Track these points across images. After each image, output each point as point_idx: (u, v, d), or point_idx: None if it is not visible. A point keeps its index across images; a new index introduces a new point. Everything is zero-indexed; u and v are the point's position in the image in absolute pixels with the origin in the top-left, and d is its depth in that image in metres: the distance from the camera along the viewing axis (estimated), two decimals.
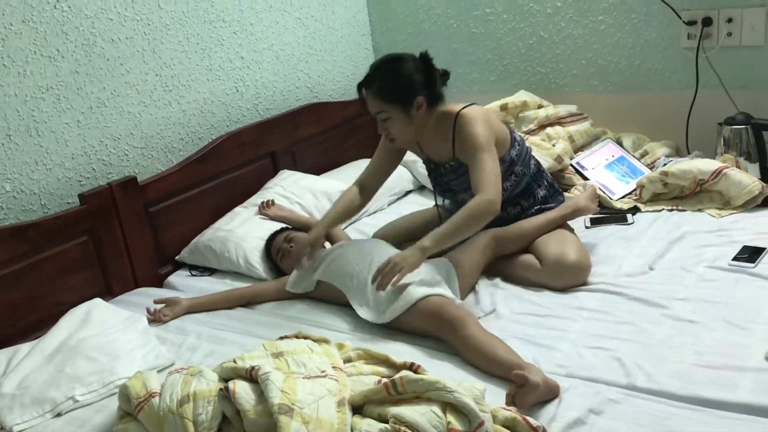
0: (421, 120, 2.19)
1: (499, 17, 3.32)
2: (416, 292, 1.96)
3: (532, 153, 2.46)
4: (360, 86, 2.19)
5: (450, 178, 2.34)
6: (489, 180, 2.08)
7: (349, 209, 2.38)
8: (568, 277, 2.14)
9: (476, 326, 1.83)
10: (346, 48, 3.51)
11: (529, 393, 1.55)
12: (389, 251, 2.20)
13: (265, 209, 2.67)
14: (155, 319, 2.18)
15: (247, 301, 2.28)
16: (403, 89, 2.14)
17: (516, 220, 2.33)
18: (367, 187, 2.41)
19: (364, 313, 2.06)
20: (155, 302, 2.24)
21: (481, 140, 2.13)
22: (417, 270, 2.04)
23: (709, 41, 2.90)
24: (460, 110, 2.20)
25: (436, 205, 2.48)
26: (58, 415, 1.77)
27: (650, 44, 3.05)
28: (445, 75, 2.21)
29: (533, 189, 2.39)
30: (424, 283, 2.02)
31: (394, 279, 1.96)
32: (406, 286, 2.00)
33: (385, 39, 3.64)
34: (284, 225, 2.57)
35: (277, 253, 2.41)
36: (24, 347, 2.00)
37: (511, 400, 1.55)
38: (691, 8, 2.90)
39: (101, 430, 1.69)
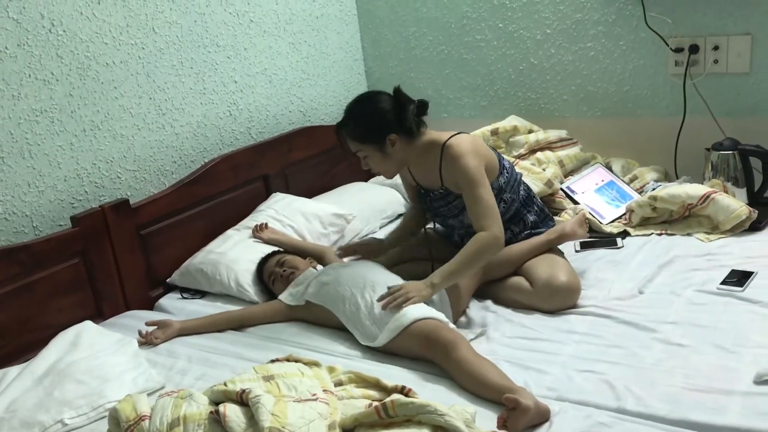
0: (402, 153, 2.24)
1: (489, 44, 3.37)
2: (410, 314, 1.97)
3: (522, 178, 2.49)
4: (337, 128, 2.27)
5: (439, 204, 2.36)
6: (489, 215, 2.14)
7: (415, 219, 2.55)
8: (559, 299, 2.16)
9: (468, 350, 1.83)
10: (339, 73, 3.55)
11: (521, 417, 1.55)
12: (382, 273, 2.21)
13: (259, 232, 2.68)
14: (147, 341, 2.17)
15: (238, 324, 2.27)
16: (374, 129, 2.20)
17: (507, 244, 2.34)
18: (418, 204, 2.54)
19: (358, 336, 2.06)
20: (147, 324, 2.24)
21: (473, 175, 2.16)
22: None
23: (696, 68, 2.95)
24: (447, 141, 2.23)
25: (425, 229, 2.50)
26: None
27: (638, 71, 3.10)
28: (423, 106, 2.24)
29: (523, 214, 2.41)
30: (418, 306, 2.03)
31: (401, 302, 2.01)
32: (400, 309, 2.01)
33: (377, 64, 3.68)
34: (276, 248, 2.58)
35: (269, 277, 2.41)
36: (13, 370, 1.98)
37: (502, 424, 1.56)
38: (678, 35, 2.95)
39: None
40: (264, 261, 2.47)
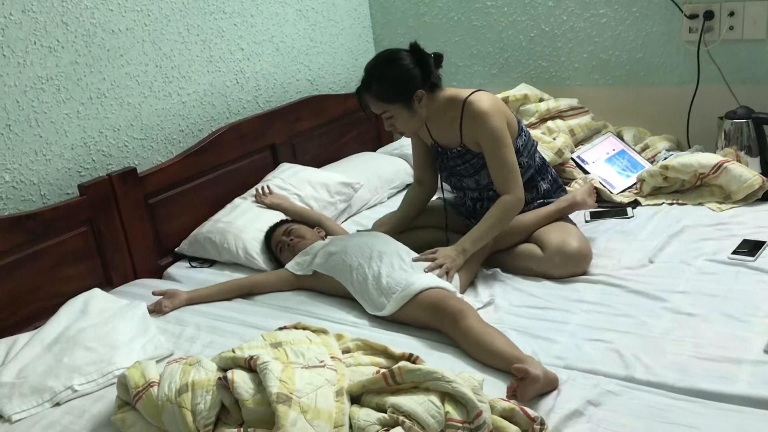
0: (426, 109, 2.21)
1: (500, 10, 3.31)
2: (418, 283, 1.97)
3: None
4: (359, 92, 2.22)
5: (456, 163, 2.34)
6: (512, 177, 2.19)
7: (413, 204, 2.49)
8: (570, 265, 2.15)
9: (476, 319, 1.82)
10: (347, 40, 3.50)
11: (530, 386, 1.55)
12: (390, 243, 2.20)
13: (262, 197, 2.67)
14: (155, 309, 2.18)
15: (246, 292, 2.28)
16: (401, 88, 2.17)
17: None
18: (424, 180, 2.49)
19: (365, 305, 2.06)
20: (154, 293, 2.24)
21: (497, 134, 2.17)
22: (418, 264, 2.09)
23: (710, 35, 2.89)
24: (468, 97, 2.21)
25: (443, 198, 2.48)
26: (57, 404, 1.77)
27: (651, 38, 3.04)
28: (439, 58, 2.23)
29: (537, 182, 2.39)
30: (426, 275, 2.03)
31: (440, 272, 2.06)
32: (409, 278, 2.01)
33: (385, 31, 3.63)
34: (283, 217, 2.57)
35: (276, 246, 2.41)
36: (23, 337, 2.00)
37: (512, 394, 1.55)
38: (692, 1, 2.89)
39: (100, 419, 1.69)
40: (272, 230, 2.47)
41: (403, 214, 2.48)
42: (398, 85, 2.16)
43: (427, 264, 2.10)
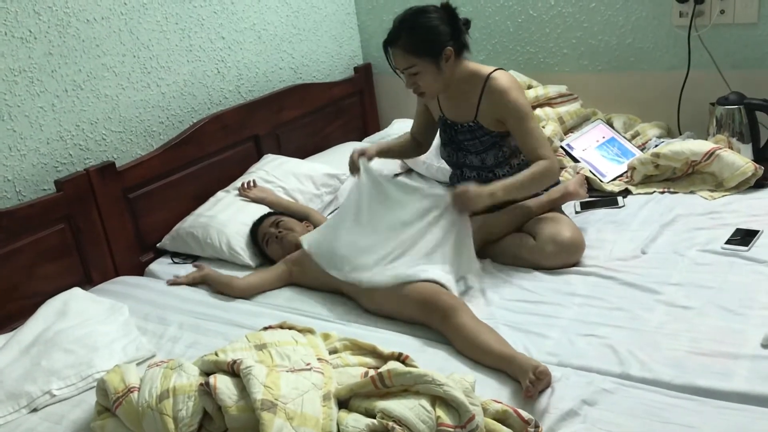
0: (451, 72, 2.18)
1: None
2: (423, 275, 1.93)
3: None
4: (385, 44, 2.17)
5: (465, 137, 2.31)
6: (545, 145, 2.17)
7: (403, 146, 2.54)
8: (563, 255, 2.11)
9: (468, 315, 1.78)
10: (331, 27, 3.43)
11: (544, 384, 1.54)
12: (378, 236, 2.16)
13: (246, 191, 2.60)
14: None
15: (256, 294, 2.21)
16: (431, 41, 2.12)
17: (510, 203, 2.28)
18: (418, 139, 2.51)
19: (361, 274, 2.01)
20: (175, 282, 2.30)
21: (523, 108, 2.18)
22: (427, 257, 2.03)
23: (701, 19, 2.84)
24: (491, 73, 2.20)
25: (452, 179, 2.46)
26: (34, 410, 1.72)
27: (641, 22, 2.99)
28: (467, 24, 2.21)
29: None
30: (432, 268, 1.98)
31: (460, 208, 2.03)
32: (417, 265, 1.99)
33: (370, 18, 3.56)
34: (270, 210, 2.51)
35: (263, 238, 2.35)
36: None
37: (535, 393, 1.53)
38: None
39: (79, 426, 1.64)
40: (258, 222, 2.41)
41: (388, 147, 2.50)
42: (429, 37, 2.12)
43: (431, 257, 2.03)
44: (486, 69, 2.22)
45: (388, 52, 2.16)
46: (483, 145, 2.27)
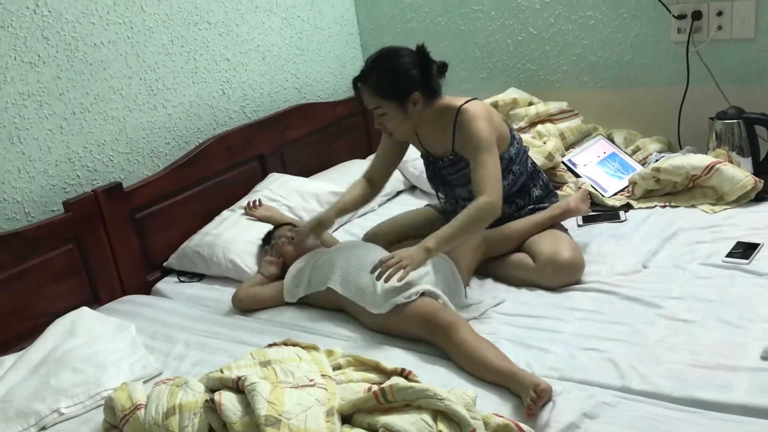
0: (418, 115, 2.17)
1: (487, 14, 3.29)
2: (417, 288, 1.95)
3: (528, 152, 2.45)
4: (355, 81, 2.17)
5: (448, 172, 2.31)
6: (491, 182, 2.06)
7: (357, 199, 2.39)
8: (562, 276, 2.12)
9: (469, 332, 1.80)
10: (334, 48, 3.48)
11: (545, 401, 1.55)
12: (379, 253, 2.17)
13: (252, 210, 2.64)
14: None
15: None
16: (399, 85, 2.11)
17: (510, 218, 2.31)
18: (374, 180, 2.42)
19: (365, 305, 2.01)
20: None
21: (483, 139, 2.11)
22: (420, 270, 2.02)
23: (699, 35, 2.88)
24: (462, 105, 2.18)
25: (440, 200, 2.45)
26: (43, 428, 1.74)
27: (640, 39, 3.02)
28: (443, 67, 2.18)
29: (529, 188, 2.37)
30: (427, 281, 2.00)
31: (398, 275, 1.91)
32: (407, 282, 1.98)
33: (372, 38, 3.61)
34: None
35: (279, 238, 2.37)
36: (8, 359, 1.96)
37: (536, 410, 1.54)
38: (680, 2, 2.87)
39: None
40: (274, 228, 2.45)
41: (344, 205, 2.37)
42: (397, 81, 2.11)
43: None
44: (458, 101, 2.20)
45: (358, 88, 2.17)
46: (466, 177, 2.23)
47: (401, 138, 2.29)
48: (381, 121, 2.18)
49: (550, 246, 2.15)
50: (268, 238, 2.44)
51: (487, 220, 2.06)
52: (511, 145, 2.27)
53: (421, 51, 2.12)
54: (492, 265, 2.25)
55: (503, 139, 2.23)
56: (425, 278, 2.02)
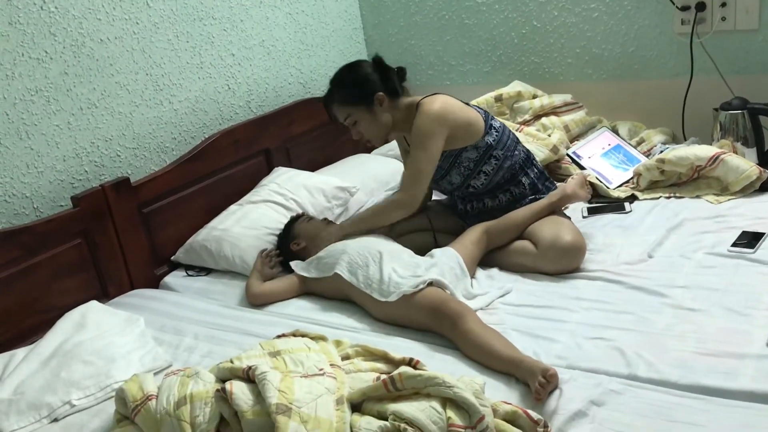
0: (388, 115, 2.27)
1: (491, 7, 3.30)
2: (425, 276, 1.97)
3: (523, 143, 2.48)
4: (324, 103, 2.31)
5: None
6: (413, 179, 2.23)
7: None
8: (565, 260, 2.13)
9: (476, 321, 1.81)
10: (338, 42, 3.49)
11: (553, 386, 1.56)
12: (392, 244, 2.20)
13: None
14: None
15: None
16: (362, 89, 2.26)
17: (508, 207, 2.33)
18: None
19: (373, 293, 2.03)
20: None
21: (421, 134, 2.21)
22: (427, 261, 2.08)
23: (703, 26, 2.88)
24: (421, 99, 2.27)
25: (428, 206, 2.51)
26: (55, 420, 1.75)
27: (644, 31, 3.03)
28: (401, 71, 2.33)
29: (519, 176, 2.37)
30: (435, 272, 2.02)
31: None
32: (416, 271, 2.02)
33: (376, 32, 3.62)
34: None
35: (305, 218, 2.45)
36: (20, 352, 1.98)
37: (545, 395, 1.55)
38: None
39: None
40: (295, 219, 2.48)
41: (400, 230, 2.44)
42: (357, 86, 2.26)
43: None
44: (420, 97, 2.30)
45: (329, 110, 2.30)
46: (443, 169, 2.32)
47: (380, 143, 2.39)
48: (357, 130, 2.30)
49: (552, 231, 2.17)
50: (288, 227, 2.45)
51: (395, 216, 2.28)
52: (488, 133, 2.30)
53: (376, 59, 2.30)
54: (495, 255, 2.27)
55: (472, 131, 2.28)
56: (433, 269, 2.03)
